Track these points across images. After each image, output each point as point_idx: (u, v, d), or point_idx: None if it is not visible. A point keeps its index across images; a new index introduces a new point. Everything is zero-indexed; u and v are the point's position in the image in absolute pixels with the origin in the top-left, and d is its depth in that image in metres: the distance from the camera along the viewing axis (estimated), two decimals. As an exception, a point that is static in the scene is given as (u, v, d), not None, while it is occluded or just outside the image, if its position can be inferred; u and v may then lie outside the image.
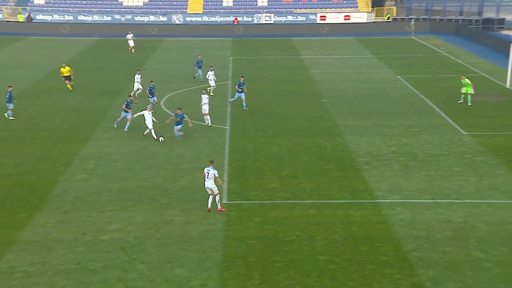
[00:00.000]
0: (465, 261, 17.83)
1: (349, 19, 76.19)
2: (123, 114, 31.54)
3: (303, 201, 22.52)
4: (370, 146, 28.74)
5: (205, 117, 32.24)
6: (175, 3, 79.14)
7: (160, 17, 75.42)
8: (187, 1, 79.46)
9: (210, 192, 21.57)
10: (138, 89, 38.75)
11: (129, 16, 75.26)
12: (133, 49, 57.09)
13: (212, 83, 39.63)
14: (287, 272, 17.55)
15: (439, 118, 33.43)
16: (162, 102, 38.10)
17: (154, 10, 77.66)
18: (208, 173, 21.43)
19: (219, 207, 21.77)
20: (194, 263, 18.14)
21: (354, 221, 20.68)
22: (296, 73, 47.31)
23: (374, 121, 32.93)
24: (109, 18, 74.99)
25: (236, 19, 75.69)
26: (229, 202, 22.58)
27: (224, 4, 79.65)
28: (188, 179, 24.97)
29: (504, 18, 70.78)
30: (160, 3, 79.02)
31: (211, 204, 21.69)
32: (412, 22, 70.68)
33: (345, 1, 79.37)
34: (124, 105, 31.48)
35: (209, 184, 21.43)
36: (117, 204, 22.31)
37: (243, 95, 35.71)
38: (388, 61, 52.13)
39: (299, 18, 76.34)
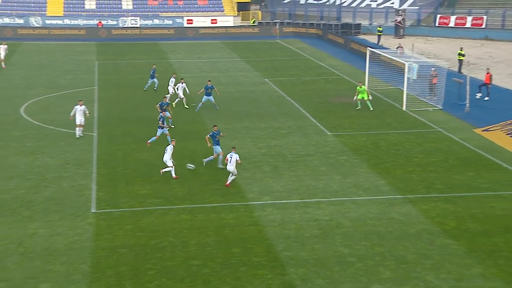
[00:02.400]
0: (332, 257, 18.55)
1: (216, 22, 76.86)
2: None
3: (176, 206, 22.33)
4: (241, 149, 29.08)
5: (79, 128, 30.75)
6: (33, 4, 75.39)
7: (16, 19, 71.54)
8: (46, 2, 76.02)
9: (231, 173, 23.98)
10: (171, 93, 37.54)
11: (-21, 18, 70.77)
12: (2, 63, 49.79)
13: (180, 94, 36.93)
14: (159, 280, 17.30)
15: (305, 120, 34.61)
16: (22, 110, 36.23)
17: (8, 11, 73.47)
18: (231, 157, 23.87)
19: (227, 182, 23.98)
20: (61, 277, 17.35)
21: (227, 224, 20.83)
22: (165, 78, 46.89)
23: (244, 124, 33.44)
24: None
25: (100, 22, 73.63)
26: (98, 211, 21.88)
27: (87, 6, 77.19)
28: (53, 189, 23.89)
29: (360, 24, 74.81)
30: (16, 4, 74.93)
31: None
32: (277, 26, 72.66)
33: (211, 5, 79.98)
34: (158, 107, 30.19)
35: (232, 167, 23.89)
36: (-25, 220, 20.85)
37: (212, 98, 35.84)
38: (255, 64, 53.19)
39: (166, 21, 75.82)
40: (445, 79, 38.53)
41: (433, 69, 39.27)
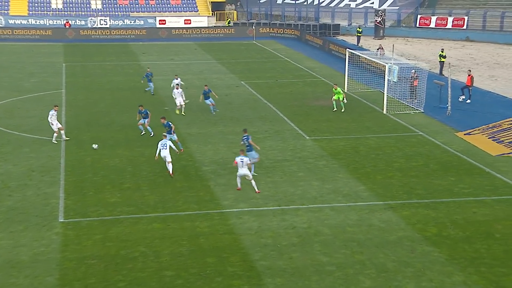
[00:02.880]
0: (310, 266, 18.58)
1: (189, 23, 76.78)
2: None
3: (147, 214, 22.20)
4: (215, 154, 29.07)
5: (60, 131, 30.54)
6: (-6, 3, 74.59)
7: (-25, 19, 70.77)
8: (9, 1, 75.18)
9: (241, 176, 24.05)
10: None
11: None
12: None
13: (180, 100, 36.46)
14: (131, 292, 17.17)
15: (283, 123, 34.70)
16: (-14, 114, 35.75)
17: (-32, 11, 72.64)
18: (242, 161, 23.86)
19: (257, 189, 23.99)
20: (26, 291, 17.12)
21: (201, 233, 20.76)
22: (137, 80, 46.69)
23: (219, 128, 33.40)
24: None
25: (67, 22, 73.03)
26: (65, 220, 21.64)
27: (53, 6, 76.51)
28: (16, 198, 23.59)
29: (339, 24, 75.30)
30: (-25, 3, 74.13)
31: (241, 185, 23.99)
32: (253, 27, 72.82)
33: (184, 5, 79.87)
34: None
35: (244, 171, 23.89)
36: None
37: (211, 101, 36.27)
38: (230, 66, 53.21)
39: (137, 22, 75.57)
40: (426, 81, 38.93)
41: (413, 71, 39.62)
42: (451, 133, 33.04)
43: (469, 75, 40.24)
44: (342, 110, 36.84)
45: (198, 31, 73.73)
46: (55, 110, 30.91)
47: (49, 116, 30.71)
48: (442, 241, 20.24)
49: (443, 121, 35.42)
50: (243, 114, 36.96)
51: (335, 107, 37.25)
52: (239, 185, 24.55)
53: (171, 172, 25.74)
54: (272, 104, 39.20)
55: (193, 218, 21.90)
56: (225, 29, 75.09)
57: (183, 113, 36.03)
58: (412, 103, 38.61)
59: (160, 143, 26.17)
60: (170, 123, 29.11)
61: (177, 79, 38.94)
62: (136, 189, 24.58)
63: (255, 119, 35.74)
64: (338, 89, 37.42)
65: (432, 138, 32.06)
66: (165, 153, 25.75)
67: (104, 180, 25.58)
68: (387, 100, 37.56)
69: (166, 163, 25.82)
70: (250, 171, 24.63)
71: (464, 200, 23.72)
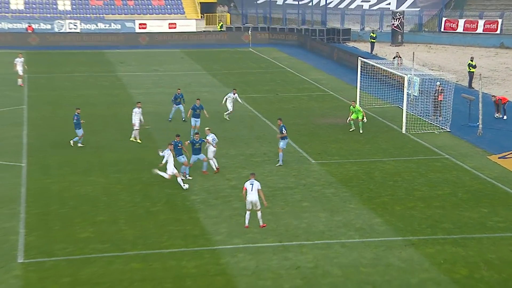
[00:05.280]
0: (319, 313, 18.58)
1: (175, 27, 77.29)
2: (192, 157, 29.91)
3: (125, 252, 22.19)
4: (205, 181, 29.14)
5: None
6: None
7: None
8: (-42, 3, 75.56)
9: (251, 207, 23.99)
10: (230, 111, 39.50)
11: None
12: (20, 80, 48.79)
13: (231, 106, 39.61)
14: None
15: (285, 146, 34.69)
16: None
17: None
18: (252, 185, 23.96)
19: (261, 223, 24.07)
20: None
21: (188, 274, 20.75)
22: (112, 94, 46.90)
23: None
24: None
25: (30, 26, 73.39)
26: (26, 260, 21.61)
27: (12, 6, 76.85)
28: (-29, 233, 23.57)
29: (349, 29, 75.83)
30: None
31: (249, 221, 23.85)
32: (249, 32, 73.33)
33: (169, 6, 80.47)
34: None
35: (253, 197, 23.92)
36: None
37: (181, 107, 38.58)
38: (223, 78, 53.48)
39: (113, 26, 76.05)
40: (452, 96, 39.17)
41: (438, 83, 39.92)
42: (483, 156, 33.19)
43: (494, 101, 40.61)
44: (361, 131, 36.90)
45: (185, 37, 74.16)
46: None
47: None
48: (474, 285, 20.24)
49: (473, 142, 35.61)
50: (238, 133, 37.10)
51: (353, 126, 37.38)
52: (247, 221, 24.28)
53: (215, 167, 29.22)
54: (272, 122, 39.36)
55: (178, 257, 21.89)
56: (217, 35, 75.58)
57: (138, 140, 35.10)
58: (437, 121, 38.82)
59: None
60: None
61: (179, 94, 39.39)
62: (112, 223, 24.58)
63: (252, 140, 35.86)
64: (357, 106, 37.71)
65: (461, 162, 32.21)
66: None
67: (73, 212, 25.59)
68: (406, 117, 37.78)
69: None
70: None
71: (500, 236, 23.77)
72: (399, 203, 26.81)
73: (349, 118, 37.59)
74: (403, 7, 77.38)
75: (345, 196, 27.54)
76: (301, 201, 27.03)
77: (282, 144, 31.54)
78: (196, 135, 30.35)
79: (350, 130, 37.32)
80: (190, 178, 29.19)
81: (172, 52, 67.40)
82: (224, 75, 55.17)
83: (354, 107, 37.51)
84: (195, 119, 35.72)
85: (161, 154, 28.58)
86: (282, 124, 31.59)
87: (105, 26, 75.75)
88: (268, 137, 36.17)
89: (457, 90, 41.35)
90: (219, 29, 78.56)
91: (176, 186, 28.26)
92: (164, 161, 28.25)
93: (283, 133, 31.37)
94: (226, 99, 39.80)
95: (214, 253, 22.18)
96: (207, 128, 31.39)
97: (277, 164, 31.55)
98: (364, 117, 37.35)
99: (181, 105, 39.12)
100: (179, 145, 29.27)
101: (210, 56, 65.34)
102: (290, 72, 56.82)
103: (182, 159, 29.34)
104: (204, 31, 77.67)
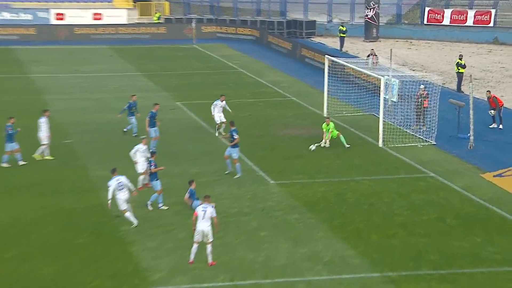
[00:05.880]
0: None
1: (100, 19, 76.89)
2: None
3: (41, 296, 22.00)
4: (142, 206, 28.94)
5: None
6: None
7: None
8: None
9: (200, 239, 23.59)
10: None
11: None
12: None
13: (220, 117, 39.13)
14: None
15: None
16: None
17: None
18: (205, 211, 23.50)
19: (210, 260, 23.61)
20: None
21: (121, 321, 20.66)
22: (23, 100, 46.41)
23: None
24: None
25: None
26: None
27: None
28: None
29: (314, 21, 76.28)
30: None
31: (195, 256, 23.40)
32: (193, 24, 73.29)
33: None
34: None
35: (205, 226, 23.50)
36: None
37: (156, 131, 36.52)
38: (162, 81, 53.34)
39: (23, 16, 75.29)
40: (438, 101, 39.48)
41: (422, 86, 40.12)
42: (475, 174, 33.61)
43: (489, 98, 40.80)
44: (347, 146, 36.73)
45: (113, 30, 73.88)
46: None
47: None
48: (465, 327, 20.48)
49: (463, 157, 36.03)
50: (182, 148, 37.01)
51: (327, 143, 36.97)
52: (192, 256, 23.97)
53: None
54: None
55: (109, 300, 21.78)
56: (153, 28, 75.47)
57: (48, 157, 34.83)
58: (420, 131, 39.19)
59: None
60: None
61: (134, 101, 38.84)
62: (25, 260, 24.26)
63: (199, 156, 35.82)
64: (332, 123, 37.04)
65: (449, 181, 32.56)
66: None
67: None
68: (383, 127, 38.03)
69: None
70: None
71: (496, 271, 24.01)
72: (376, 231, 26.98)
73: (323, 140, 36.94)
74: (378, -5, 78.07)
75: (311, 223, 27.64)
76: (258, 229, 27.04)
77: (234, 153, 32.24)
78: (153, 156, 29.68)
79: (322, 146, 37.03)
80: (165, 208, 28.77)
81: (98, 49, 67.05)
82: (163, 77, 55.04)
83: (327, 124, 36.82)
84: (154, 128, 36.12)
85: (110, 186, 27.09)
86: (233, 128, 32.37)
87: (11, 16, 74.93)
88: (218, 153, 36.08)
89: (443, 94, 41.81)
90: (156, 21, 78.45)
91: (105, 214, 28.00)
92: (110, 196, 26.90)
93: (234, 139, 31.95)
94: (214, 108, 39.26)
95: (153, 295, 22.10)
96: (143, 136, 31.38)
97: (236, 176, 32.06)
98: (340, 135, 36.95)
99: (134, 117, 38.41)
100: (151, 168, 28.85)
101: (145, 54, 65.16)
102: (243, 73, 56.96)
103: (159, 185, 28.86)
104: (137, 23, 77.46)
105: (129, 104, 38.66)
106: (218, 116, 39.20)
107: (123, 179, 26.92)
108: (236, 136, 32.03)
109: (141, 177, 30.62)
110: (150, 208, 28.59)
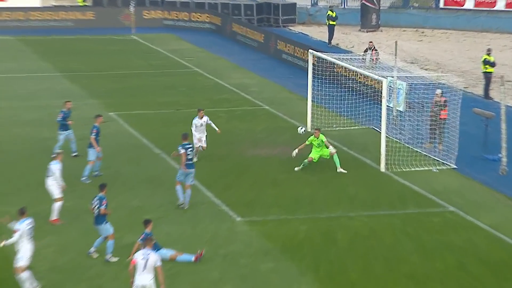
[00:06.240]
0: None
1: (5, 0, 76.82)
2: None
3: None
4: (61, 253, 28.89)
5: None
6: None
7: None
8: None
9: None
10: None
11: None
12: None
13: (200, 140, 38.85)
14: None
15: (193, 191, 34.79)
16: None
17: None
18: (147, 260, 23.37)
19: None
20: None
21: None
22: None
23: (69, 202, 33.21)
24: None
25: None
26: None
27: None
28: None
29: (294, 4, 76.46)
30: None
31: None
32: (132, 8, 73.04)
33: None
34: None
35: (146, 280, 23.29)
36: None
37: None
38: (89, 84, 53.39)
39: None
40: (459, 111, 39.78)
41: (438, 91, 40.13)
42: (507, 206, 34.01)
43: None
44: (342, 171, 37.20)
45: (22, 15, 73.82)
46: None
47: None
48: None
49: (492, 184, 36.36)
50: (117, 172, 37.05)
51: (305, 163, 37.34)
52: None
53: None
54: (170, 153, 39.43)
55: None
56: (77, 13, 75.49)
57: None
58: (435, 151, 39.50)
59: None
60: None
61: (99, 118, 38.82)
62: None
63: (139, 184, 35.92)
64: (322, 137, 37.09)
65: (472, 217, 32.80)
66: None
67: None
68: (386, 146, 38.29)
69: None
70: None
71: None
72: (375, 284, 27.25)
73: (309, 157, 37.35)
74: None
75: (290, 274, 27.80)
76: (220, 282, 27.20)
77: (189, 179, 32.79)
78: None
79: (297, 168, 37.39)
80: (114, 260, 28.59)
81: (1, 40, 66.96)
82: (91, 78, 55.12)
83: (316, 138, 37.08)
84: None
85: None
86: (185, 143, 33.16)
87: None
88: (165, 179, 36.20)
89: (466, 101, 41.98)
90: (82, 4, 78.55)
91: (5, 263, 27.55)
92: (11, 241, 26.07)
93: (180, 154, 32.70)
94: (193, 129, 39.07)
95: None
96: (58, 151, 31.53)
97: (181, 205, 32.74)
98: (332, 149, 37.32)
99: (71, 132, 38.62)
100: (100, 207, 28.43)
101: (66, 48, 65.23)
102: (199, 73, 57.19)
103: (110, 228, 28.67)
104: (55, 6, 77.54)
105: (63, 114, 38.70)
106: (198, 138, 38.79)
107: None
108: (181, 151, 32.47)
109: (57, 205, 30.66)
110: (95, 255, 28.48)
